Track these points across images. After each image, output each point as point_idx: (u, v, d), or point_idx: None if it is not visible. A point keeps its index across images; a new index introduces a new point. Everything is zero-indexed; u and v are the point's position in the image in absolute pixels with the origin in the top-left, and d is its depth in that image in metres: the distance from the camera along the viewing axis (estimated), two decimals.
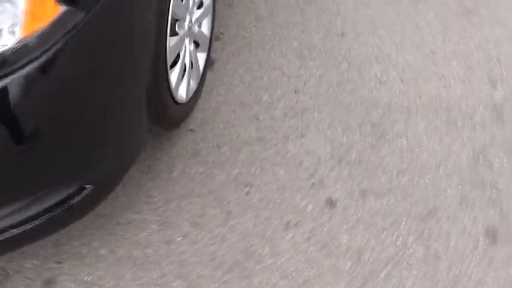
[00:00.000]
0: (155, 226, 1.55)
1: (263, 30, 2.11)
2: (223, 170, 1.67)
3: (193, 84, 1.72)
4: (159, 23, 1.24)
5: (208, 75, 1.92)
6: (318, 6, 2.21)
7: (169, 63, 1.38)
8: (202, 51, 1.78)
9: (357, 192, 1.65)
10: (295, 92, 1.90)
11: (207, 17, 1.77)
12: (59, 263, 1.46)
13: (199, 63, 1.76)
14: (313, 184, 1.65)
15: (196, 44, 1.72)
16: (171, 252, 1.49)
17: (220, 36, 2.08)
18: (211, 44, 1.88)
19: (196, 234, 1.52)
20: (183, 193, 1.61)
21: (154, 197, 1.61)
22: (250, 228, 1.54)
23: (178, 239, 1.52)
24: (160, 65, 1.30)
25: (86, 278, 1.44)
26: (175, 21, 1.43)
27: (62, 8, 0.86)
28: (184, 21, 1.50)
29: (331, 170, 1.70)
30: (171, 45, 1.37)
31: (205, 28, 1.78)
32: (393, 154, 1.76)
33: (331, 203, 1.62)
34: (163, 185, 1.63)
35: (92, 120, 1.06)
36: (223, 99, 1.87)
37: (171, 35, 1.39)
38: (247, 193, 1.62)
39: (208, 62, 1.89)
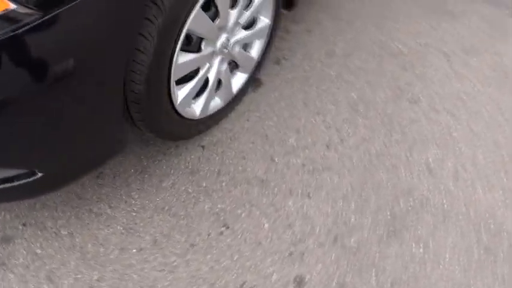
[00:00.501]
0: (120, 228, 1.51)
1: (328, 69, 1.94)
2: (211, 199, 1.57)
3: (219, 103, 1.64)
4: (163, 37, 1.17)
5: (250, 96, 1.83)
6: (402, 62, 1.96)
7: (174, 77, 1.30)
8: (244, 72, 1.69)
9: (334, 284, 1.44)
10: (327, 146, 1.71)
11: (258, 41, 1.67)
12: (24, 225, 1.50)
13: (235, 84, 1.67)
14: (291, 254, 1.47)
15: (236, 64, 1.64)
16: (119, 261, 1.44)
17: (282, 61, 1.95)
18: (259, 67, 1.78)
19: (152, 253, 1.45)
20: (161, 206, 1.55)
21: (135, 199, 1.57)
22: (204, 272, 1.43)
23: (133, 250, 1.46)
24: (157, 76, 1.23)
25: (37, 251, 1.46)
26: (200, 39, 1.37)
27: (10, 6, 0.83)
28: (215, 40, 1.42)
29: (319, 247, 1.50)
30: (185, 60, 1.30)
31: (254, 51, 1.68)
32: (399, 259, 1.50)
33: (299, 282, 1.43)
34: (148, 191, 1.58)
35: (43, 117, 1.03)
36: (249, 127, 1.76)
37: (189, 51, 1.34)
38: (221, 233, 1.50)
39: (251, 83, 1.81)
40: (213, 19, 1.35)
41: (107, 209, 1.54)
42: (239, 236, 1.50)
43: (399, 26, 2.16)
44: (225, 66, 1.55)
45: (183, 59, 1.30)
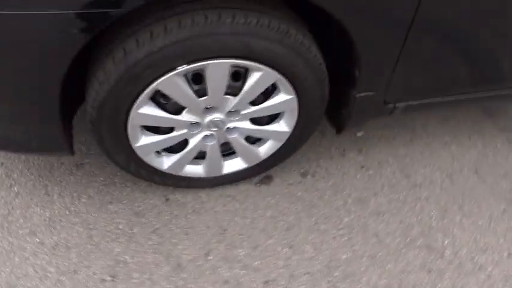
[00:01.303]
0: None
1: (343, 214, 1.68)
2: (127, 246, 1.52)
3: (200, 172, 1.58)
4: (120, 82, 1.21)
5: (247, 186, 1.71)
6: (428, 240, 1.59)
7: (136, 121, 1.33)
8: (244, 161, 1.60)
9: None
10: (266, 282, 1.50)
11: (272, 141, 1.56)
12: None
13: (227, 166, 1.60)
14: None
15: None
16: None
17: (309, 177, 1.77)
18: (272, 165, 1.68)
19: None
20: (90, 222, 1.57)
21: (79, 202, 1.64)
22: None
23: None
24: (112, 110, 1.28)
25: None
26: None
27: None
28: (201, 115, 1.38)
29: None
30: (149, 113, 1.30)
31: (264, 148, 1.57)
32: None
33: None
34: (95, 204, 1.63)
35: None
36: (219, 212, 1.64)
37: (165, 109, 1.33)
38: (110, 280, 1.46)
39: (258, 174, 1.72)
40: (201, 94, 1.32)
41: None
42: None
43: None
44: (213, 143, 1.49)
45: (147, 110, 1.31)
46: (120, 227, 1.59)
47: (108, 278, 1.47)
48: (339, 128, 1.66)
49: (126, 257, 1.52)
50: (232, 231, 1.62)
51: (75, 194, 1.68)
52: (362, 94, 1.46)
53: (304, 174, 1.82)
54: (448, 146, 1.98)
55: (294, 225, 1.65)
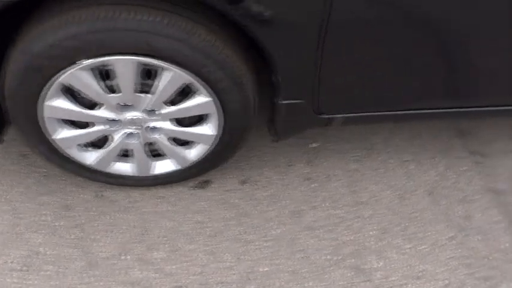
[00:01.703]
0: None
1: (274, 228, 1.61)
2: (43, 235, 1.54)
3: (129, 170, 1.57)
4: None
5: (181, 188, 1.67)
6: (359, 261, 1.48)
7: (47, 113, 1.33)
8: (175, 163, 1.57)
9: None
10: None
11: (201, 145, 1.52)
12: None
13: (159, 167, 1.57)
14: None
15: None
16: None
17: (248, 185, 1.71)
18: (210, 169, 1.65)
19: None
20: (15, 209, 1.60)
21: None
22: None
23: None
24: (21, 98, 1.29)
25: None
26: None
27: None
28: (117, 112, 1.36)
29: None
30: (60, 106, 1.31)
31: (194, 151, 1.53)
32: None
33: None
34: (30, 193, 1.65)
35: None
36: (147, 213, 1.61)
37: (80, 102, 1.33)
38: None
39: (195, 178, 1.68)
40: (114, 91, 1.31)
41: None
42: None
43: None
44: (136, 142, 1.47)
45: (57, 103, 1.31)
46: (47, 218, 1.61)
47: (20, 268, 1.48)
48: (276, 137, 1.60)
49: (46, 248, 1.53)
50: (155, 233, 1.59)
51: (14, 183, 1.72)
52: (287, 102, 1.40)
53: (243, 182, 1.76)
54: (406, 165, 1.86)
55: (220, 232, 1.61)
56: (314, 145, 1.92)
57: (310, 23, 1.18)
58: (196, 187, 1.74)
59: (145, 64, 1.27)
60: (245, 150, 1.84)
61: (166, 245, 1.57)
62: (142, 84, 1.32)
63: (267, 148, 1.88)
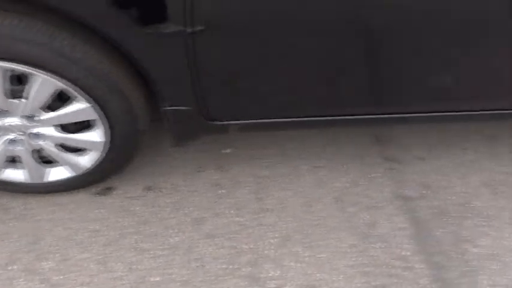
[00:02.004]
0: None
1: (173, 237, 1.58)
2: None
3: (20, 177, 1.52)
4: None
5: (82, 195, 1.64)
6: (256, 270, 1.47)
7: None
8: (70, 170, 1.54)
9: None
10: None
11: (93, 152, 1.49)
12: None
13: (54, 174, 1.54)
14: None
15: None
16: None
17: (152, 192, 1.68)
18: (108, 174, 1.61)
19: None
20: None
21: None
22: None
23: None
24: None
25: None
26: None
27: None
28: None
29: None
30: None
31: (86, 158, 1.50)
32: None
33: None
34: None
35: None
36: (37, 226, 1.57)
37: None
38: None
39: (97, 184, 1.65)
40: None
41: None
42: None
43: None
44: (20, 148, 1.43)
45: None
46: None
47: None
48: (174, 143, 1.57)
49: None
50: (47, 242, 1.55)
51: None
52: (173, 108, 1.38)
53: (148, 188, 1.73)
54: (317, 171, 1.84)
55: (116, 241, 1.57)
56: (228, 151, 1.89)
57: (174, 24, 1.15)
58: (98, 194, 1.70)
59: (12, 69, 1.24)
60: (154, 156, 1.81)
61: (57, 254, 1.53)
62: (15, 89, 1.29)
63: (177, 154, 1.85)
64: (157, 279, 1.49)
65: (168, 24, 1.12)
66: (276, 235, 1.63)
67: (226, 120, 1.48)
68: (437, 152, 1.95)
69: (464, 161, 1.93)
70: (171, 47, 1.18)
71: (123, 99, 1.33)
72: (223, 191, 1.75)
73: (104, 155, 1.50)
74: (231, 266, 1.54)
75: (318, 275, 1.53)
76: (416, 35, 1.42)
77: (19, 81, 1.28)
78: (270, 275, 1.52)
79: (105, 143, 1.45)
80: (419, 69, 1.57)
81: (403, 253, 1.61)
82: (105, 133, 1.42)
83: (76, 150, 1.52)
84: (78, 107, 1.33)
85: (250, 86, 1.39)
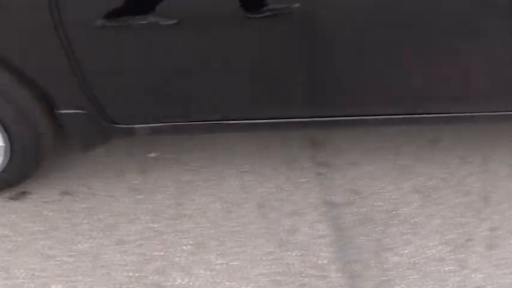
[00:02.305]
0: None
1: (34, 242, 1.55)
2: None
3: None
4: None
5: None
6: (162, 278, 1.42)
7: None
8: None
9: None
10: None
11: None
12: None
13: None
14: None
15: None
16: None
17: (69, 196, 1.65)
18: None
19: None
20: None
21: None
22: None
23: None
24: None
25: None
26: None
27: None
28: None
29: None
30: None
31: None
32: None
33: None
34: None
35: None
36: None
37: None
38: None
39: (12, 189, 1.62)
40: None
41: None
42: None
43: None
44: None
45: None
46: None
47: None
48: (84, 148, 1.53)
49: None
50: None
51: None
52: (67, 112, 1.34)
53: (65, 193, 1.69)
54: (243, 176, 1.80)
55: (23, 247, 1.53)
56: (152, 155, 1.85)
57: (44, 30, 1.12)
58: (12, 198, 1.66)
59: None
60: (74, 159, 1.77)
61: None
62: None
63: (100, 158, 1.81)
64: (60, 286, 1.45)
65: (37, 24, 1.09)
66: (190, 242, 1.59)
67: (132, 124, 1.45)
68: (371, 157, 1.90)
69: (399, 166, 1.87)
70: (48, 49, 1.15)
71: (13, 103, 1.30)
72: (141, 196, 1.71)
73: (8, 160, 1.46)
74: (137, 274, 1.49)
75: (227, 283, 1.49)
76: (347, 35, 1.39)
77: None
78: (177, 283, 1.48)
79: (5, 148, 1.42)
80: (352, 70, 1.53)
81: (320, 261, 1.56)
82: (3, 138, 1.39)
83: None
84: None
85: (145, 87, 1.34)
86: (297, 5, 1.21)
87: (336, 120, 1.69)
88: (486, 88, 1.58)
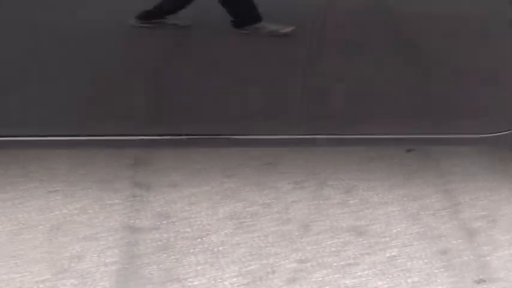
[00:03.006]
0: None
1: None
2: None
3: None
4: None
5: None
6: None
7: None
8: None
9: None
10: None
11: None
12: None
13: None
14: None
15: None
16: None
17: None
18: None
19: None
20: None
21: None
22: None
23: None
24: None
25: None
26: None
27: None
28: None
29: None
30: None
31: None
32: None
33: None
34: None
35: None
36: None
37: None
38: None
39: None
40: None
41: None
42: None
43: None
44: None
45: None
46: None
47: None
48: None
49: None
50: None
51: None
52: None
53: None
54: (49, 195, 1.66)
55: None
56: None
57: None
58: None
59: None
60: None
61: None
62: None
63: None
64: None
65: None
66: None
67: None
68: (198, 179, 1.77)
69: (224, 190, 1.74)
70: None
71: None
72: None
73: None
74: None
75: None
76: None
77: None
78: None
79: None
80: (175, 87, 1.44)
81: None
82: None
83: None
84: None
85: None
86: None
87: (159, 140, 1.60)
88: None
